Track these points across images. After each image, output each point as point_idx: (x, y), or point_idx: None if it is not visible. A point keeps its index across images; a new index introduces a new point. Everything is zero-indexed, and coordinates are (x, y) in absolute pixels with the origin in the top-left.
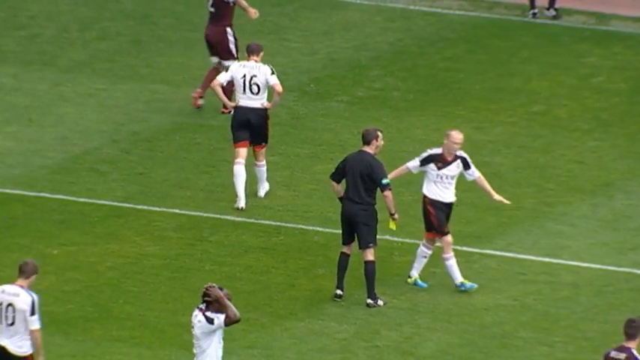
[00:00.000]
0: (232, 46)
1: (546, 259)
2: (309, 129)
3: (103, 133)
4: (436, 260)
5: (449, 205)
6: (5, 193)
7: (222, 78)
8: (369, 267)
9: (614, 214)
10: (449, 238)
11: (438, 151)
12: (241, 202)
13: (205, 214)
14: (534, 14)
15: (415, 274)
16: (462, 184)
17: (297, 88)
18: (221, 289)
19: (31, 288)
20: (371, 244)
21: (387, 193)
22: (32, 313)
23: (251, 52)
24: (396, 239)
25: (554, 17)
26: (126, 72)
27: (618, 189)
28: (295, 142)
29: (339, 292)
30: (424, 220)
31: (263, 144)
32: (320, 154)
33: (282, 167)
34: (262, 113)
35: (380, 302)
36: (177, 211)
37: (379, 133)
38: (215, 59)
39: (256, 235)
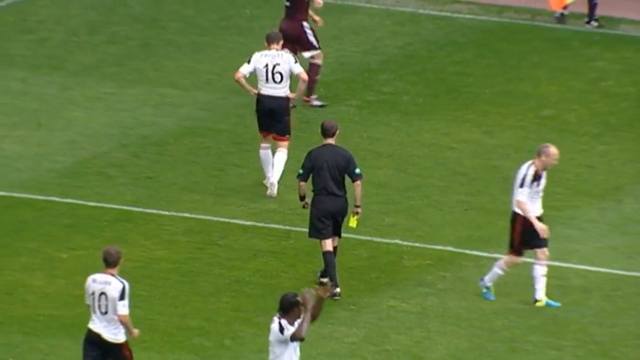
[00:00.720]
0: (312, 38)
1: (555, 263)
2: (318, 134)
3: (112, 137)
4: (445, 264)
5: (540, 219)
6: (14, 197)
7: (245, 69)
8: (334, 254)
9: (623, 219)
10: (519, 260)
11: (532, 169)
12: (273, 188)
13: (214, 218)
14: (590, 22)
15: (540, 296)
16: (471, 187)
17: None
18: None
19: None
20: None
21: (360, 182)
22: (121, 298)
23: (271, 40)
24: (405, 243)
25: (598, 26)
26: (134, 76)
27: (627, 193)
28: (305, 146)
29: (337, 290)
30: (518, 237)
31: (286, 136)
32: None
33: (292, 171)
34: (284, 103)
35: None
36: (186, 214)
37: (337, 124)
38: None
39: (265, 239)
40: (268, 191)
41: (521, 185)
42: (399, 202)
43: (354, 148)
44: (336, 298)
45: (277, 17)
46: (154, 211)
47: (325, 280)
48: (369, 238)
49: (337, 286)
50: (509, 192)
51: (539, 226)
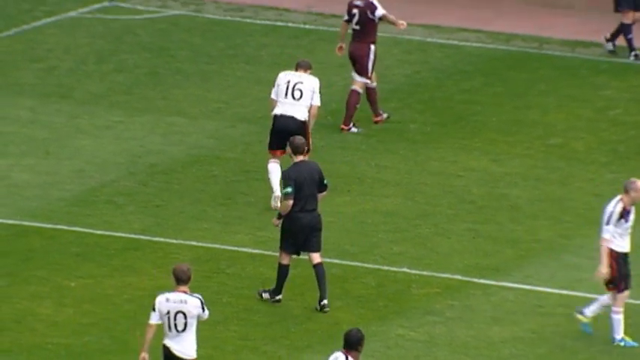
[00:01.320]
0: (370, 65)
1: (564, 292)
2: (327, 161)
3: (120, 166)
4: (453, 292)
5: (627, 256)
6: (23, 226)
7: (273, 93)
8: (323, 268)
9: (632, 247)
10: (626, 294)
11: (619, 206)
12: (277, 201)
13: (222, 247)
14: (636, 56)
15: (618, 335)
16: (479, 215)
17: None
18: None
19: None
20: (320, 247)
21: (326, 193)
22: (204, 310)
23: (299, 67)
24: (413, 272)
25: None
26: (143, 104)
27: (636, 222)
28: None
29: (279, 297)
30: (616, 272)
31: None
32: (337, 187)
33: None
34: (301, 124)
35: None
36: (194, 243)
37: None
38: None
39: (273, 268)
40: (273, 203)
41: (607, 222)
42: (407, 231)
43: (361, 176)
44: (277, 303)
45: (285, 45)
46: (162, 240)
47: (325, 301)
48: (377, 266)
49: (279, 294)
50: (516, 220)
51: (600, 270)
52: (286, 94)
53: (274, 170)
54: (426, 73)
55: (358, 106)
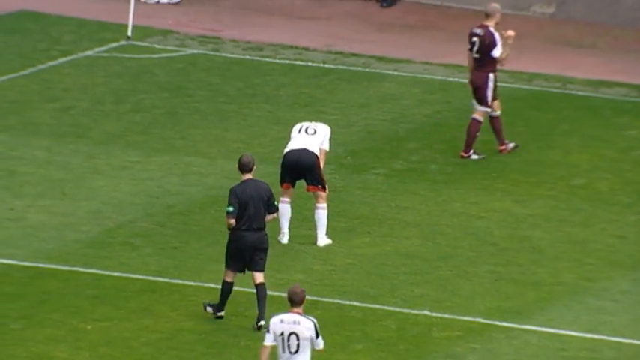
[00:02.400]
0: (489, 93)
1: (587, 335)
2: (346, 202)
3: (137, 207)
4: (475, 336)
5: None
6: (38, 268)
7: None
8: (264, 289)
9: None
10: None
11: None
12: (285, 238)
13: (241, 289)
14: None
15: None
16: (501, 257)
17: (334, 160)
18: None
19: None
20: (264, 267)
21: (276, 215)
22: (317, 336)
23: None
24: (434, 314)
25: None
26: (160, 144)
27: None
28: (332, 215)
29: (221, 313)
30: None
31: (319, 186)
32: (357, 228)
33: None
34: (314, 157)
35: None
36: (212, 285)
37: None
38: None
39: None
40: (278, 237)
41: None
42: (428, 273)
43: (381, 217)
44: (219, 319)
45: (304, 85)
46: (180, 282)
47: (262, 322)
48: (397, 309)
49: (221, 311)
50: (539, 262)
51: None
52: (299, 130)
53: (284, 212)
54: (447, 113)
55: (478, 134)
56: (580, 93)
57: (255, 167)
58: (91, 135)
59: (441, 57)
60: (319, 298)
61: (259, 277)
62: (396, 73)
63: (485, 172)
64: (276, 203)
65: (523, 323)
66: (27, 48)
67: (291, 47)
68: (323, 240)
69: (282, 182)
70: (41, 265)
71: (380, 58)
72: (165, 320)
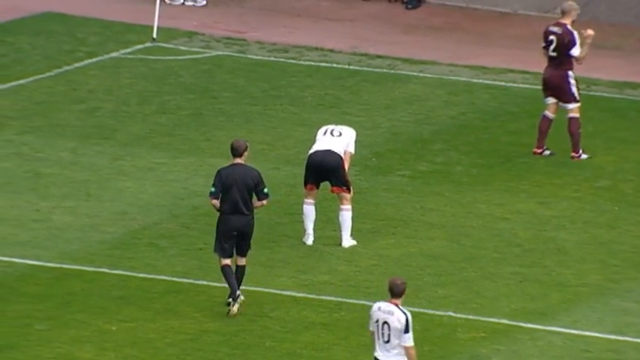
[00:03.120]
0: (574, 89)
1: (612, 337)
2: (371, 204)
3: (163, 208)
4: (500, 337)
5: None
6: (63, 269)
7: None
8: (244, 270)
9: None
10: None
11: None
12: (309, 239)
13: (266, 290)
14: None
15: None
16: (526, 258)
17: (359, 162)
18: None
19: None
20: (249, 249)
21: (266, 202)
22: (406, 331)
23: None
24: (459, 316)
25: None
26: (186, 146)
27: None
28: (357, 216)
29: (238, 293)
30: None
31: (343, 187)
32: (382, 229)
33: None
34: (339, 158)
35: (241, 297)
36: None
37: (247, 144)
38: (551, 100)
39: (317, 311)
40: (304, 239)
41: None
42: (452, 274)
43: (406, 218)
44: (232, 312)
45: (329, 86)
46: (205, 283)
47: (238, 293)
48: (422, 310)
49: (234, 298)
50: (564, 264)
51: None
52: (325, 132)
53: (309, 214)
54: (471, 115)
55: (581, 130)
56: (605, 94)
57: (247, 153)
58: (117, 136)
59: (466, 59)
60: (344, 300)
61: (242, 260)
62: (421, 74)
63: (510, 174)
64: (266, 190)
65: (548, 325)
66: (52, 49)
67: (317, 49)
68: (347, 241)
69: (305, 183)
70: (66, 266)
71: (405, 60)
72: (190, 321)
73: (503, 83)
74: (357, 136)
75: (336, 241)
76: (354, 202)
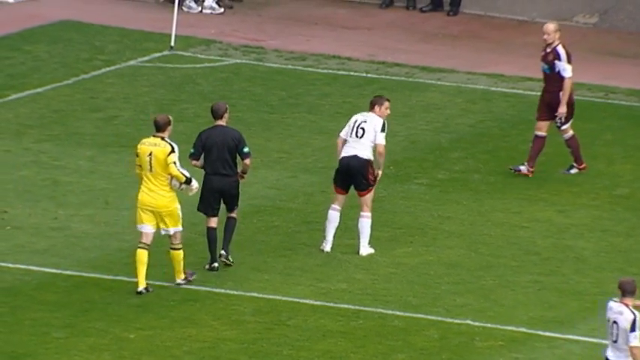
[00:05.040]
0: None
1: None
2: (389, 212)
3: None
4: (518, 345)
5: None
6: (82, 277)
7: (343, 133)
8: (233, 222)
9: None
10: None
11: None
12: (328, 246)
13: (283, 298)
14: None
15: None
16: (544, 267)
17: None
18: None
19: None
20: (237, 207)
21: (249, 161)
22: (632, 330)
23: (371, 104)
24: (477, 324)
25: None
26: None
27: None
28: (374, 224)
29: (215, 264)
30: None
31: (363, 191)
32: (399, 237)
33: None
34: (364, 162)
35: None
36: (254, 294)
37: (227, 106)
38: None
39: (335, 319)
40: (321, 246)
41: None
42: (471, 282)
43: (424, 226)
44: (214, 270)
45: (347, 94)
46: (222, 291)
47: (223, 252)
48: (440, 318)
49: (214, 261)
50: (582, 272)
51: None
52: (351, 133)
53: (332, 219)
54: (490, 123)
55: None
56: (623, 103)
57: (227, 115)
58: (134, 144)
59: (485, 67)
60: (361, 308)
61: (231, 214)
62: (439, 82)
63: (528, 182)
64: (247, 149)
65: (566, 333)
66: (70, 58)
67: (335, 57)
68: (365, 249)
69: (334, 185)
70: (84, 274)
71: (423, 68)
72: (207, 329)
73: (521, 91)
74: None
75: (353, 249)
76: (372, 210)
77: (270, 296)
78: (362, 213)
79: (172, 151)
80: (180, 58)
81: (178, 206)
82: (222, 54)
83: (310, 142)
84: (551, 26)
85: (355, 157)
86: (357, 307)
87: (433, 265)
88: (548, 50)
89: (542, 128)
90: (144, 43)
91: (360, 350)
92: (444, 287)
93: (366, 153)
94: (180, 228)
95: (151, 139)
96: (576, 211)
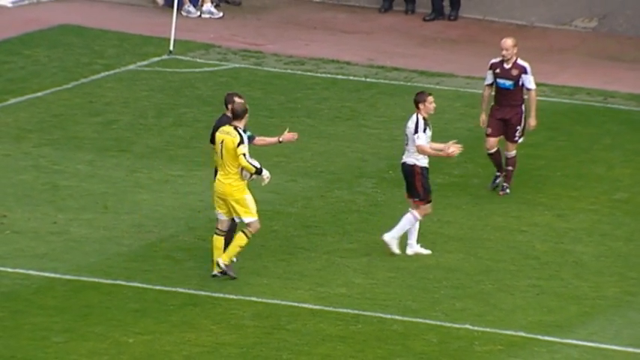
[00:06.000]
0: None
1: (629, 349)
2: (388, 216)
3: (179, 220)
4: (517, 350)
5: None
6: (81, 281)
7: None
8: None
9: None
10: None
11: None
12: (409, 249)
13: (282, 302)
14: None
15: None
16: (543, 271)
17: (376, 174)
18: None
19: None
20: None
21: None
22: None
23: (415, 103)
24: (476, 328)
25: None
26: (202, 158)
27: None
28: (374, 229)
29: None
30: None
31: (416, 199)
32: (399, 242)
33: (361, 254)
34: (409, 168)
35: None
36: (254, 299)
37: (236, 99)
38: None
39: (334, 324)
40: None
41: None
42: (470, 287)
43: (423, 231)
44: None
45: (346, 99)
46: (222, 295)
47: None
48: (439, 322)
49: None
50: (581, 276)
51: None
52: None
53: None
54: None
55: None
56: (622, 107)
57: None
58: (134, 149)
59: (483, 71)
60: (360, 312)
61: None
62: (438, 87)
63: (526, 187)
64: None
65: (565, 337)
66: (70, 62)
67: (333, 61)
68: (389, 237)
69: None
70: (83, 278)
71: (422, 73)
72: (206, 334)
73: None
74: (376, 147)
75: (352, 254)
76: (370, 214)
77: (270, 300)
78: (410, 209)
79: (241, 142)
80: (180, 63)
81: (248, 196)
82: (221, 58)
83: (309, 147)
84: (509, 41)
85: (404, 163)
86: (356, 312)
87: (432, 270)
88: (509, 66)
89: (495, 145)
90: (143, 48)
91: (359, 355)
92: (443, 291)
93: (410, 159)
94: (252, 218)
95: (226, 127)
96: (575, 216)
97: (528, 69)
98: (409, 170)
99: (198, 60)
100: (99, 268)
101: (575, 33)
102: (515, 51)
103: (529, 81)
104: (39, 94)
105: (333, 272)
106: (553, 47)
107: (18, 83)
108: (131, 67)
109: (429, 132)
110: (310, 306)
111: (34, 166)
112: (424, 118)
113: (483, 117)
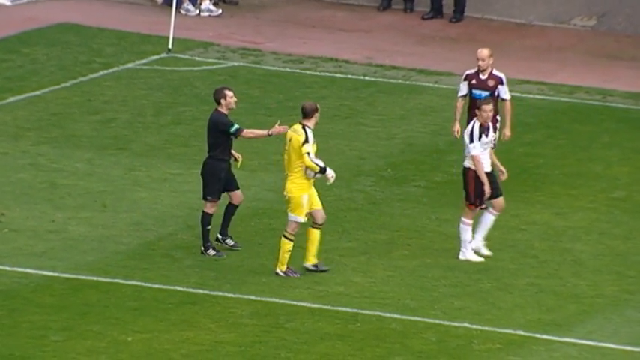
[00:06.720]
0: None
1: (628, 348)
2: (386, 214)
3: (178, 219)
4: (515, 348)
5: None
6: (80, 279)
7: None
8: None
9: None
10: None
11: None
12: (473, 247)
13: (281, 301)
14: None
15: None
16: (541, 269)
17: (375, 173)
18: None
19: None
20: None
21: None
22: None
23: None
24: (475, 327)
25: None
26: (201, 157)
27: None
28: (372, 227)
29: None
30: None
31: (467, 202)
32: (397, 240)
33: (359, 253)
34: (465, 171)
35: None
36: (252, 297)
37: (226, 92)
38: None
39: (333, 322)
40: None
41: None
42: (468, 285)
43: (421, 229)
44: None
45: (344, 97)
46: (220, 294)
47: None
48: (437, 321)
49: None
50: (579, 275)
51: None
52: None
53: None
54: None
55: None
56: (621, 105)
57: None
58: (132, 147)
59: None
60: (359, 311)
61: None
62: (436, 85)
63: (525, 185)
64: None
65: (563, 336)
66: (68, 60)
67: (332, 60)
68: (462, 253)
69: None
70: (82, 276)
71: (420, 71)
72: (205, 332)
73: (518, 94)
74: (374, 146)
75: (351, 252)
76: (368, 212)
77: (268, 299)
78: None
79: (306, 141)
80: (178, 61)
81: (304, 197)
82: (220, 57)
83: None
84: (485, 52)
85: (463, 167)
86: (354, 310)
87: (431, 268)
88: (485, 76)
89: None
90: (141, 46)
91: (357, 353)
92: (442, 290)
93: (466, 162)
94: (295, 217)
95: (295, 125)
96: (574, 214)
97: (504, 79)
98: (464, 173)
99: (196, 58)
100: (97, 266)
101: (574, 31)
102: (491, 61)
103: (504, 91)
104: (37, 92)
105: (331, 271)
106: (552, 46)
107: (16, 81)
108: (130, 65)
109: (484, 139)
110: (309, 304)
111: (32, 164)
112: (481, 125)
113: (457, 127)
